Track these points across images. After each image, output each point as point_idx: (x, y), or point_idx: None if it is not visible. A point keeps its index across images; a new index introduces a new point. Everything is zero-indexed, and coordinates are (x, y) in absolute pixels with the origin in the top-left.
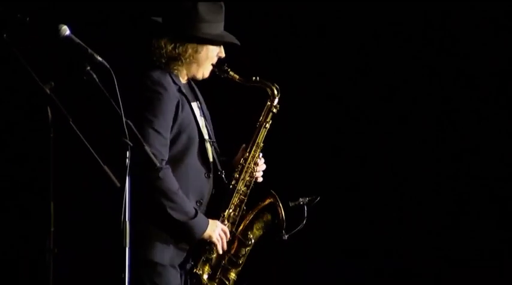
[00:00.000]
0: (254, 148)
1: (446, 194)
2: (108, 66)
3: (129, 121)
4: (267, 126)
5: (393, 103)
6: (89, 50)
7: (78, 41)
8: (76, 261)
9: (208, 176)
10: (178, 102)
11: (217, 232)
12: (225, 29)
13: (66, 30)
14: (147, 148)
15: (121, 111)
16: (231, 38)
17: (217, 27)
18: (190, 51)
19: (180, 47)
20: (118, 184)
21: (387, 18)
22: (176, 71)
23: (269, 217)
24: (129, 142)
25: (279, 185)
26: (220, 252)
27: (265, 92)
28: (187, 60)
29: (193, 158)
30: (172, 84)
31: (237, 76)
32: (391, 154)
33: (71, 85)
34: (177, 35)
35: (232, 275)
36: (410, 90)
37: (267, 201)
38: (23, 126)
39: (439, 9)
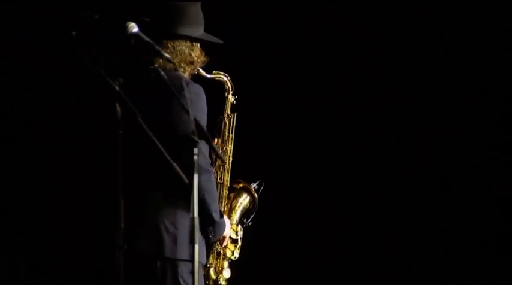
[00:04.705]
0: (230, 140)
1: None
2: (174, 62)
3: (196, 118)
4: (233, 116)
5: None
6: (156, 47)
7: (146, 38)
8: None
9: None
10: None
11: (229, 226)
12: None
13: (134, 27)
14: (214, 144)
15: (188, 108)
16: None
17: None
18: (198, 53)
19: (194, 50)
20: (186, 180)
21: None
22: (187, 74)
23: (247, 202)
24: (197, 139)
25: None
26: (226, 244)
27: (222, 85)
28: (197, 63)
29: None
30: None
31: (204, 72)
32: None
33: (139, 82)
34: (192, 37)
35: (225, 265)
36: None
37: (239, 185)
38: (92, 122)
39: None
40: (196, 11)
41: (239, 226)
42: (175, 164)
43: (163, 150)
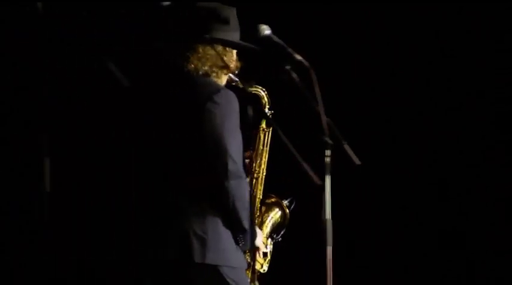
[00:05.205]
0: (265, 154)
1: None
2: (307, 64)
3: (329, 120)
4: (269, 131)
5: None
6: (288, 49)
7: (277, 40)
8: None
9: None
10: None
11: (261, 238)
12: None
13: (266, 29)
14: (346, 146)
15: (321, 110)
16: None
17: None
18: (231, 58)
19: (227, 55)
20: (318, 182)
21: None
22: (220, 81)
23: (279, 216)
24: (330, 141)
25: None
26: (260, 257)
27: (259, 99)
28: (231, 69)
29: None
30: None
31: (241, 84)
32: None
33: (270, 84)
34: (225, 41)
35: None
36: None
37: (271, 200)
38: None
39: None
40: (230, 16)
41: (269, 239)
42: (305, 165)
43: (294, 151)
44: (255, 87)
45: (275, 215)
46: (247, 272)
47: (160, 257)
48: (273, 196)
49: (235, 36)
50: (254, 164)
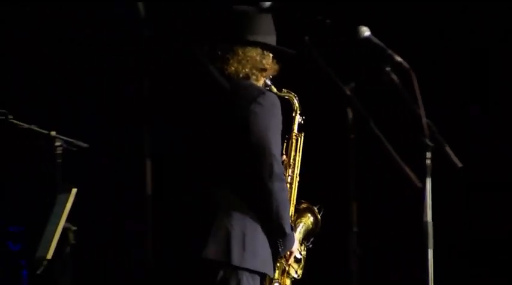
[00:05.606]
0: (298, 159)
1: None
2: (407, 65)
3: (429, 122)
4: (301, 136)
5: None
6: (388, 51)
7: (377, 41)
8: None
9: None
10: None
11: (297, 242)
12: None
13: (366, 31)
14: (447, 148)
15: (421, 112)
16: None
17: None
18: (270, 61)
19: (265, 58)
20: (419, 185)
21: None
22: (259, 83)
23: (311, 222)
24: (430, 143)
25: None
26: (291, 262)
27: (291, 104)
28: (269, 71)
29: None
30: None
31: (275, 89)
32: None
33: (370, 85)
34: (265, 45)
35: (287, 283)
36: None
37: (302, 206)
38: (324, 127)
39: None
40: (268, 21)
41: (302, 245)
42: (406, 168)
43: (394, 154)
44: (287, 92)
45: (307, 220)
46: (283, 277)
47: (202, 256)
48: (305, 202)
49: (272, 39)
50: (288, 170)
